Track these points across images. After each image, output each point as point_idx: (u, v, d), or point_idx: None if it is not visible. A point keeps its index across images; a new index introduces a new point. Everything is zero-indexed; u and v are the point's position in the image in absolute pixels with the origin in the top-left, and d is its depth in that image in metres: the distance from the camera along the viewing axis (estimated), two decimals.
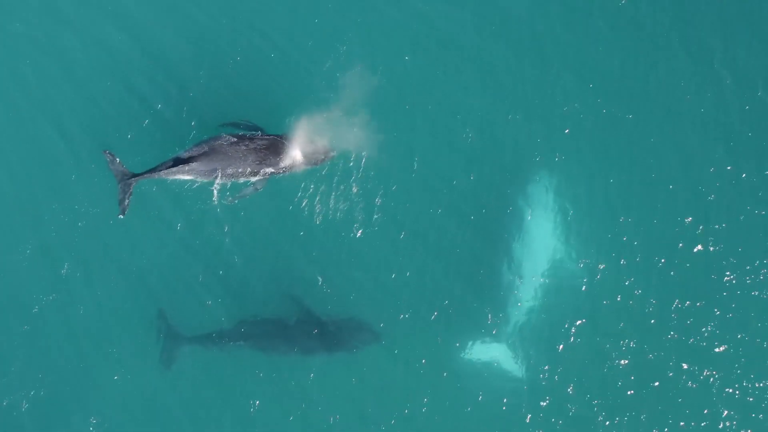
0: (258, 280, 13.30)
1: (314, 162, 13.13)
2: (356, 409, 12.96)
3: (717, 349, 12.69)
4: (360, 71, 13.58)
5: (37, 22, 14.12)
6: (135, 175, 12.65)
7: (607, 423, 12.63)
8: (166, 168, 12.67)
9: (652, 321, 12.86)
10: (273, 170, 12.97)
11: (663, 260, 12.99)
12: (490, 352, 12.98)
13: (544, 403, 12.72)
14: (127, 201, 12.68)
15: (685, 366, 12.70)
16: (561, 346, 12.87)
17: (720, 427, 12.48)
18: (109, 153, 12.65)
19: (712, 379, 12.61)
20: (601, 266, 12.99)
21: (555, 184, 13.22)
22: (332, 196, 13.30)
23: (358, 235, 13.27)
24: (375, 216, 13.29)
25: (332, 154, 13.20)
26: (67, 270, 13.45)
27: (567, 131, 13.44)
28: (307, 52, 13.79)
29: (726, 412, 12.50)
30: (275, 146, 12.92)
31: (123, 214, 12.77)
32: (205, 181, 12.98)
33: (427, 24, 13.91)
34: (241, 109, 13.52)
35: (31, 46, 14.05)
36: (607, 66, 13.65)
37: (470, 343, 13.07)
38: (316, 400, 12.97)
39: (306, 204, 13.34)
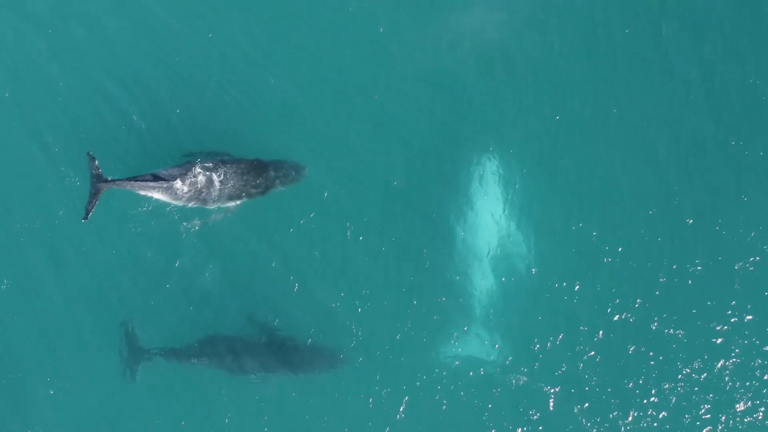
0: (224, 296, 13.03)
1: (289, 182, 13.13)
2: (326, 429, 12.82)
3: (672, 331, 12.88)
4: (318, 87, 13.56)
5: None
6: (107, 181, 12.33)
7: (581, 404, 12.77)
8: (142, 181, 12.40)
9: (608, 303, 12.97)
10: (251, 194, 12.90)
11: (617, 246, 13.06)
12: (463, 349, 13.01)
13: (523, 389, 12.79)
14: (92, 206, 12.38)
15: (643, 349, 12.86)
16: (525, 332, 12.92)
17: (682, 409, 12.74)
18: (90, 154, 12.35)
19: (673, 362, 12.81)
20: (552, 251, 13.07)
21: (504, 170, 13.30)
22: (296, 216, 13.20)
23: (324, 251, 13.16)
24: (347, 233, 13.20)
25: (305, 171, 13.21)
26: (7, 285, 13.08)
27: (520, 118, 13.46)
28: (273, 72, 13.60)
29: (685, 393, 12.75)
30: (252, 170, 12.86)
31: (86, 218, 12.44)
32: (177, 203, 12.74)
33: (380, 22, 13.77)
34: (211, 133, 13.31)
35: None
36: (565, 57, 13.61)
37: (441, 345, 13.01)
38: (281, 420, 12.78)
39: (273, 223, 13.20)
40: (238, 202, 12.93)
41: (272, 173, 12.94)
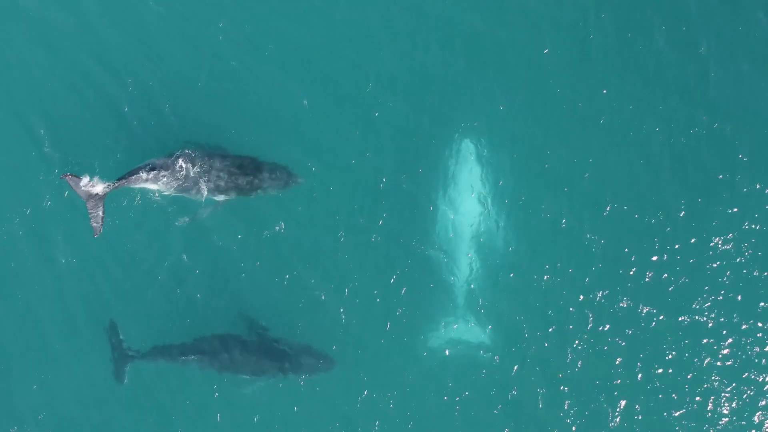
0: (213, 294, 12.96)
1: (281, 187, 13.00)
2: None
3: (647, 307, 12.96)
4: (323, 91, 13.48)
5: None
6: (102, 190, 12.03)
7: (570, 387, 12.84)
8: (137, 175, 12.20)
9: (596, 286, 13.00)
10: (241, 190, 12.79)
11: (605, 230, 13.09)
12: (451, 334, 13.02)
13: (511, 372, 12.84)
14: (100, 218, 12.07)
15: (631, 332, 12.91)
16: (513, 316, 12.96)
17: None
18: (69, 176, 11.94)
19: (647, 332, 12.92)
20: (540, 236, 13.11)
21: (492, 157, 13.27)
22: (284, 211, 13.13)
23: (313, 244, 13.12)
24: (336, 227, 13.17)
25: (299, 181, 13.06)
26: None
27: (509, 106, 13.42)
28: (279, 78, 13.49)
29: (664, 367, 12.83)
30: (245, 167, 12.74)
31: (98, 233, 12.17)
32: (171, 193, 12.62)
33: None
34: (212, 126, 13.21)
35: None
36: (555, 46, 13.55)
37: (429, 333, 13.01)
38: (271, 417, 12.75)
39: (265, 223, 13.10)
40: (228, 196, 12.80)
41: (265, 174, 12.83)
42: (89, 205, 12.00)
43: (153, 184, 12.42)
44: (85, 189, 11.94)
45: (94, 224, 12.10)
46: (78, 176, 11.92)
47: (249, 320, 12.81)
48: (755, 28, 13.38)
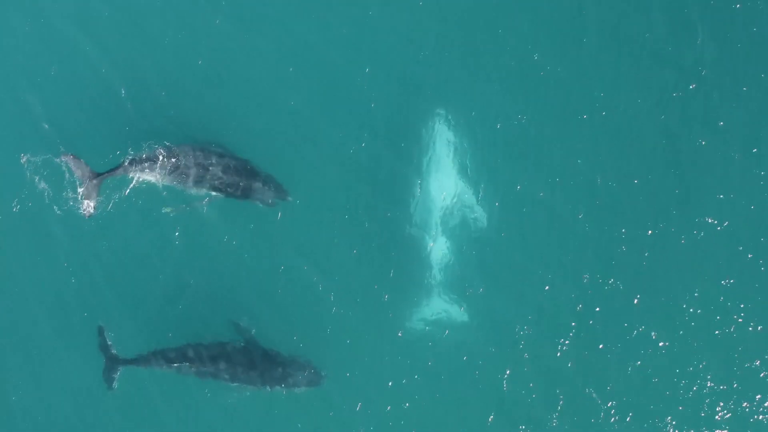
0: (209, 299, 12.92)
1: (268, 199, 12.91)
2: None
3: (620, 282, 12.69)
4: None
5: None
6: (100, 175, 12.09)
7: (547, 357, 12.64)
8: (131, 165, 12.27)
9: (571, 261, 12.83)
10: (229, 192, 12.74)
11: (580, 207, 12.88)
12: (432, 310, 12.97)
13: (498, 338, 12.75)
14: (93, 202, 12.16)
15: (604, 307, 12.69)
16: (486, 284, 12.86)
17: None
18: (69, 155, 12.03)
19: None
20: (516, 213, 12.96)
21: (466, 136, 13.13)
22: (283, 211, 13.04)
23: (298, 238, 13.05)
24: (320, 226, 13.09)
25: (288, 198, 12.97)
26: None
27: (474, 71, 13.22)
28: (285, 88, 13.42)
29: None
30: (243, 169, 12.74)
31: (89, 215, 12.25)
32: (169, 184, 12.59)
33: None
34: (206, 118, 13.20)
35: None
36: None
37: (410, 312, 12.91)
38: (260, 422, 12.74)
39: (257, 231, 13.06)
40: (218, 194, 12.76)
41: (257, 185, 12.77)
42: (86, 187, 12.07)
43: (147, 175, 12.40)
44: (83, 170, 12.02)
45: (87, 205, 12.16)
46: (76, 156, 12.00)
47: (242, 327, 12.70)
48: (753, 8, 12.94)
